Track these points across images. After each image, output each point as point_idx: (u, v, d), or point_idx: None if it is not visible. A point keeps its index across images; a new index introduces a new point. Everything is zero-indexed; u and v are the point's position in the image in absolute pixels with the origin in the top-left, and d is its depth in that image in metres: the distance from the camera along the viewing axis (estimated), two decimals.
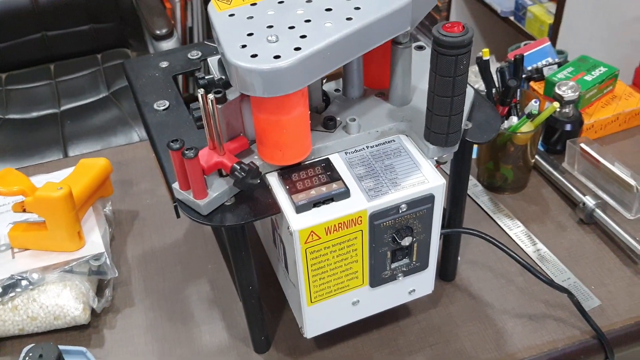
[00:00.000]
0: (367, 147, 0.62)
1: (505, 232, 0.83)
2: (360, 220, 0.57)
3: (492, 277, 0.79)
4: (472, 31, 0.52)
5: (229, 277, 0.81)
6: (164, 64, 0.75)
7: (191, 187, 0.55)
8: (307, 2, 0.57)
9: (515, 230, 0.83)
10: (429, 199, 0.58)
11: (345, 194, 0.57)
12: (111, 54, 1.87)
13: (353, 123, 0.61)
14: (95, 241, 0.79)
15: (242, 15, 0.56)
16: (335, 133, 0.61)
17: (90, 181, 0.82)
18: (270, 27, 0.54)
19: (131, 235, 0.87)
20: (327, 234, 0.56)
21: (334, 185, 0.57)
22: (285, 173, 0.59)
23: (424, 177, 0.58)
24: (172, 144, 0.54)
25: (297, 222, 0.55)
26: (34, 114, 1.70)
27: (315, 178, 0.58)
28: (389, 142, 0.62)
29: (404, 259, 0.63)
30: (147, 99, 0.70)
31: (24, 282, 0.73)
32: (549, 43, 1.03)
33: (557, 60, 1.02)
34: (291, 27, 0.54)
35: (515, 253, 0.70)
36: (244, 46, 0.52)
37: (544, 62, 1.03)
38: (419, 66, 0.66)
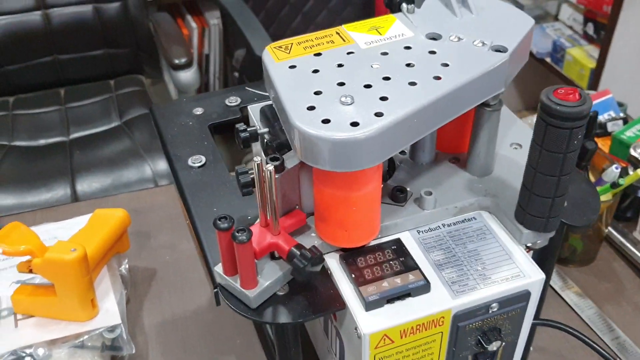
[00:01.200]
0: (444, 225, 0.52)
1: (577, 314, 0.73)
2: (442, 321, 0.47)
3: None
4: (590, 100, 0.43)
5: (262, 356, 0.70)
6: (199, 111, 0.65)
7: (239, 274, 0.45)
8: (382, 54, 0.47)
9: (588, 313, 0.73)
10: (524, 296, 0.48)
11: (424, 288, 0.46)
12: (125, 81, 1.79)
13: (429, 197, 0.51)
14: (110, 309, 0.69)
15: (305, 68, 0.47)
16: (406, 207, 0.52)
17: (106, 237, 0.72)
18: (342, 84, 0.44)
19: (148, 298, 0.77)
20: (401, 338, 0.46)
21: (411, 277, 0.47)
22: (349, 257, 0.49)
23: (518, 268, 0.48)
24: (219, 222, 0.44)
25: (368, 323, 0.45)
26: (42, 142, 1.60)
27: (386, 265, 0.48)
28: (469, 220, 0.52)
29: None
30: (180, 153, 0.60)
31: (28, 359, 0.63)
32: (611, 95, 0.94)
33: (621, 115, 0.92)
34: (367, 86, 0.44)
35: (598, 346, 0.59)
36: (311, 108, 0.42)
37: (606, 116, 0.93)
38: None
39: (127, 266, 0.77)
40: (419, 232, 0.51)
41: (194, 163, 0.59)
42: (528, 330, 0.52)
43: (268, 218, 0.46)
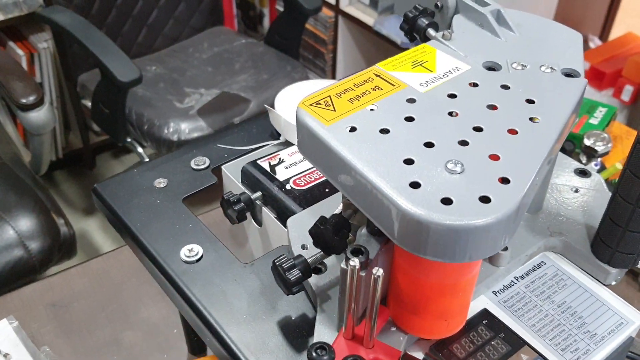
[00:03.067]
0: (516, 278, 0.45)
1: None
2: None
3: None
4: None
5: None
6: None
7: None
8: (449, 96, 0.39)
9: None
10: (628, 342, 0.43)
11: None
12: None
13: (505, 253, 0.44)
14: None
15: (369, 130, 0.36)
16: (482, 267, 0.44)
17: None
18: (430, 145, 0.35)
19: None
20: None
21: (524, 357, 0.39)
22: (442, 347, 0.40)
23: (618, 315, 0.43)
24: (316, 354, 0.32)
25: None
26: None
27: (489, 348, 0.40)
28: (539, 266, 0.46)
29: None
30: (163, 247, 0.47)
31: None
32: None
33: None
34: (463, 143, 0.35)
35: None
36: (416, 185, 0.33)
37: None
38: None
39: None
40: (495, 293, 0.44)
41: (189, 256, 0.46)
42: None
43: (355, 326, 0.36)
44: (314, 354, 0.34)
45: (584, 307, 0.43)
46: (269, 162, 0.52)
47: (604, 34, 2.01)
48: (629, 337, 0.43)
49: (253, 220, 0.53)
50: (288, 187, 0.50)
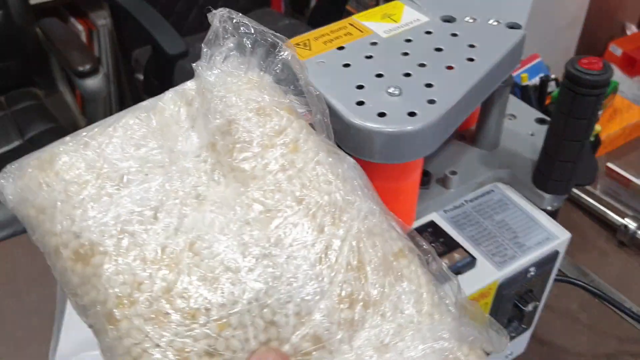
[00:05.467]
0: (467, 201, 0.54)
1: None
2: (489, 293, 0.49)
3: (555, 317, 0.73)
4: (612, 68, 0.46)
5: None
6: None
7: None
8: (406, 41, 0.48)
9: (562, 263, 0.78)
10: (554, 256, 0.51)
11: (471, 264, 0.48)
12: (17, 95, 1.65)
13: (454, 177, 0.52)
14: None
15: (334, 63, 0.46)
16: (432, 189, 0.53)
17: None
18: (380, 75, 0.44)
19: None
20: None
21: (456, 256, 0.48)
22: None
23: (546, 232, 0.51)
24: None
25: None
26: None
27: None
28: (488, 193, 0.54)
29: (513, 323, 0.55)
30: None
31: None
32: (540, 59, 1.00)
33: (552, 75, 0.99)
34: (407, 75, 0.44)
35: (605, 297, 0.65)
36: (361, 103, 0.42)
37: (537, 79, 1.00)
38: None
39: None
40: (445, 211, 0.53)
41: None
42: (550, 288, 0.55)
43: None
44: None
45: (519, 225, 0.52)
46: None
47: None
48: (554, 250, 0.51)
49: None
50: None
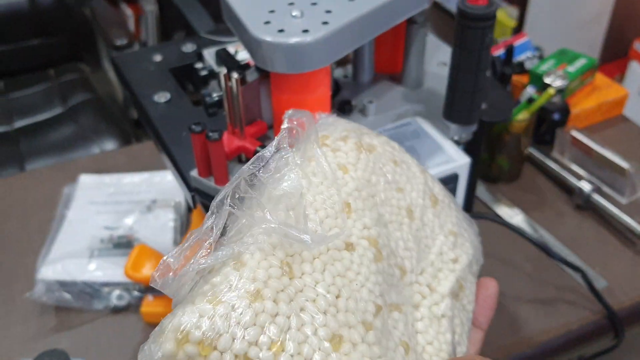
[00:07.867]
0: (385, 130, 0.60)
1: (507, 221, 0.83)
2: None
3: (500, 265, 0.78)
4: (497, 3, 0.52)
5: None
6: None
7: (213, 173, 0.52)
8: None
9: (516, 219, 0.83)
10: (453, 178, 0.57)
11: None
12: (64, 69, 1.80)
13: (370, 105, 0.59)
14: None
15: None
16: (352, 117, 0.60)
17: None
18: (291, 4, 0.52)
19: None
20: None
21: None
22: None
23: (447, 156, 0.57)
24: (194, 127, 0.50)
25: None
26: None
27: None
28: (406, 124, 0.61)
29: None
30: (145, 92, 0.66)
31: None
32: (527, 38, 1.05)
33: (536, 54, 1.03)
34: (313, 4, 0.52)
35: (528, 237, 0.69)
36: (267, 22, 0.50)
37: (523, 56, 1.04)
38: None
39: None
40: None
41: (159, 99, 0.65)
42: None
43: (235, 125, 0.53)
44: (210, 133, 0.52)
45: (425, 150, 0.58)
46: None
47: None
48: (453, 172, 0.57)
49: None
50: None
